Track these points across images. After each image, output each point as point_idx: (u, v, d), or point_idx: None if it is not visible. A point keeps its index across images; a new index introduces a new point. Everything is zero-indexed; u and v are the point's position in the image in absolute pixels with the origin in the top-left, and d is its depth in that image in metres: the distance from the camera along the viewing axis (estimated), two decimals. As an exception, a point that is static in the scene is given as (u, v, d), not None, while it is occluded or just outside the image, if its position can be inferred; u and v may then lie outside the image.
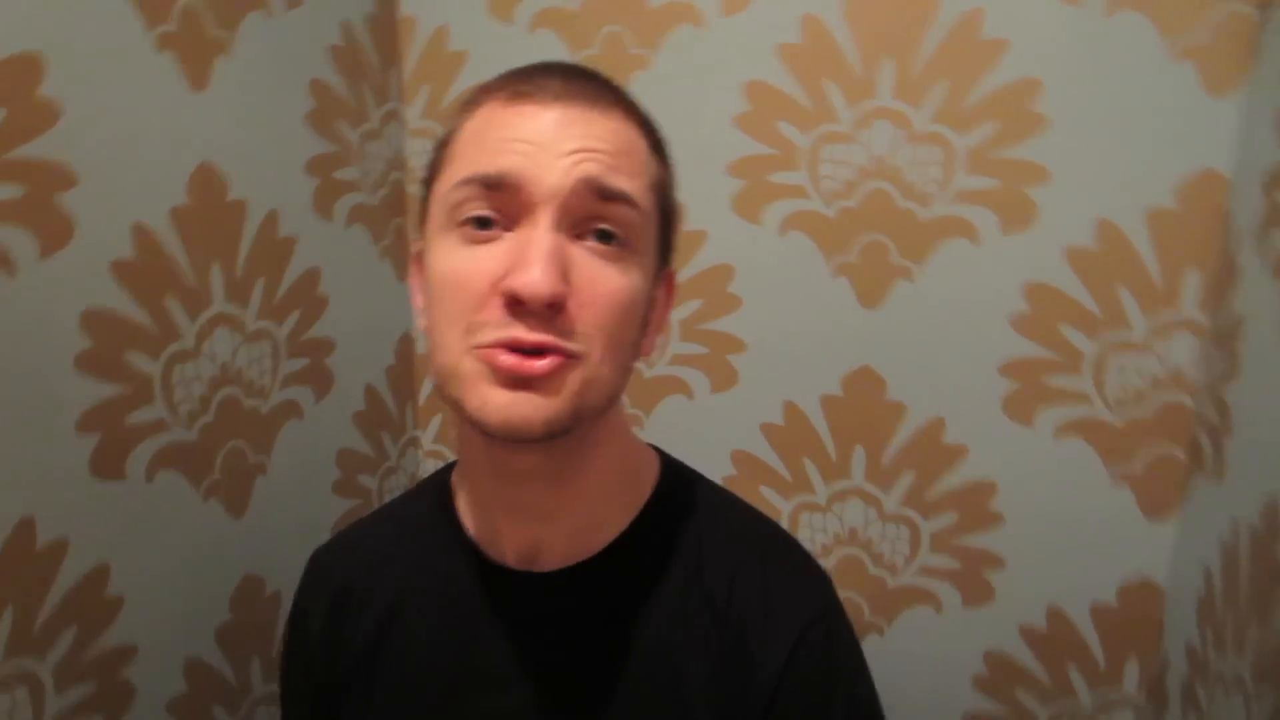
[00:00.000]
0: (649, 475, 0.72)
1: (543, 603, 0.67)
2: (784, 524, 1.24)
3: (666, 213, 0.65)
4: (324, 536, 0.87)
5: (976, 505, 1.16)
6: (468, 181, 0.57)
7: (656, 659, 0.66)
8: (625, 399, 1.17)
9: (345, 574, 0.75)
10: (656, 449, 0.76)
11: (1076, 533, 1.13)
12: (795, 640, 0.65)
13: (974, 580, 1.18)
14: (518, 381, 0.55)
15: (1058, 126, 1.05)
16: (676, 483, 0.73)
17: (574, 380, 0.56)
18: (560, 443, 0.59)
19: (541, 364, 0.55)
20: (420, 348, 1.37)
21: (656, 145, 0.65)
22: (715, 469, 1.24)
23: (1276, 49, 0.92)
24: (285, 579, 1.08)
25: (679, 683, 0.65)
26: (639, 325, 0.62)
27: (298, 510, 1.13)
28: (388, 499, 1.09)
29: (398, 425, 1.34)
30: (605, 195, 0.57)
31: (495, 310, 0.56)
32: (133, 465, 0.91)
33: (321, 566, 0.78)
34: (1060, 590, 1.15)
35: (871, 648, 1.21)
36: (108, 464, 0.88)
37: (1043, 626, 1.17)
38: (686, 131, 1.07)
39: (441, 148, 0.63)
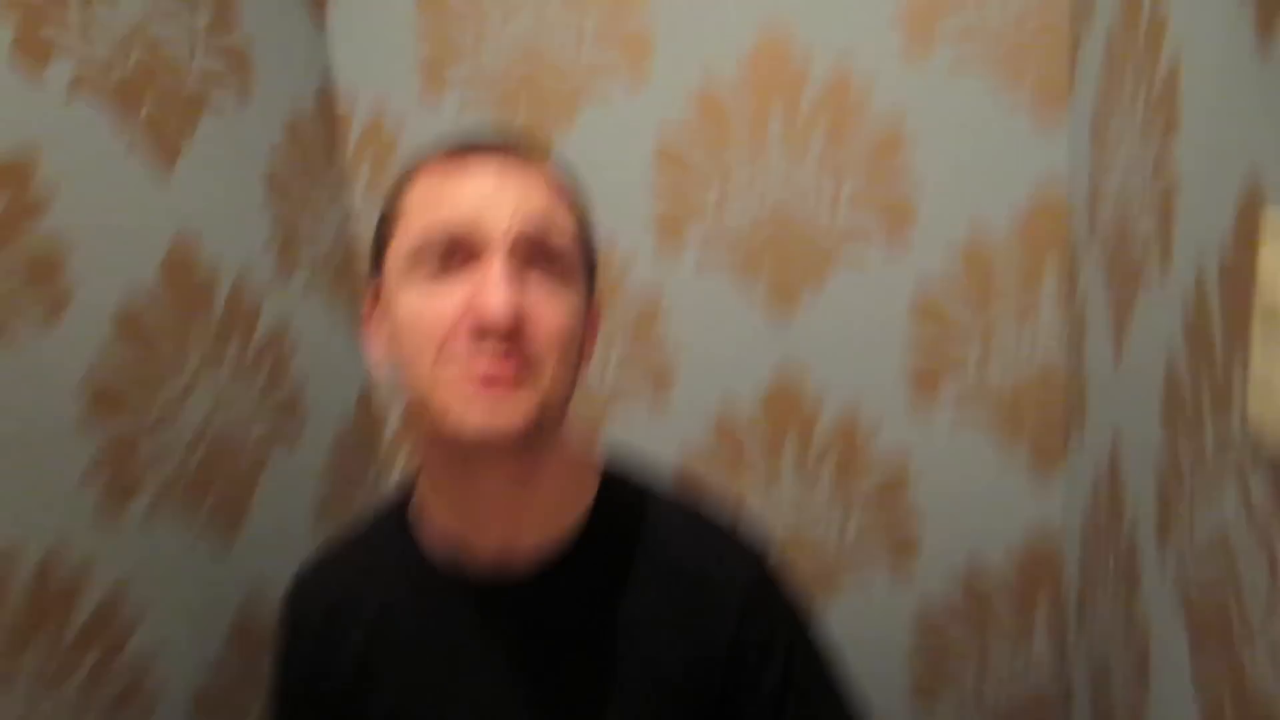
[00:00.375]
0: (596, 470, 0.81)
1: (519, 600, 0.74)
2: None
3: (589, 252, 0.74)
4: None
5: (894, 482, 1.32)
6: (427, 238, 0.65)
7: (629, 633, 0.74)
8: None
9: (330, 595, 0.82)
10: (598, 445, 0.85)
11: (981, 495, 1.29)
12: (745, 597, 0.75)
13: (898, 549, 1.33)
14: (491, 394, 0.64)
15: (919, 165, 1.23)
16: (621, 474, 0.82)
17: (538, 385, 0.65)
18: (525, 448, 0.68)
19: (509, 372, 0.64)
20: (379, 398, 1.49)
21: (575, 194, 0.74)
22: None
23: (1085, 83, 1.11)
24: (272, 620, 1.13)
25: (653, 650, 0.74)
26: (579, 341, 0.70)
27: (280, 555, 1.23)
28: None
29: (369, 464, 1.45)
30: (544, 233, 0.66)
31: (462, 339, 0.64)
32: (135, 507, 1.02)
33: (307, 588, 0.85)
34: (974, 547, 1.31)
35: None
36: (113, 506, 0.99)
37: (962, 577, 1.31)
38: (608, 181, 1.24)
39: (387, 220, 0.71)
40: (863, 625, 1.35)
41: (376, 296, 0.72)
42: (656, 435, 1.39)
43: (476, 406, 0.64)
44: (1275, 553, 0.58)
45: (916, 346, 1.27)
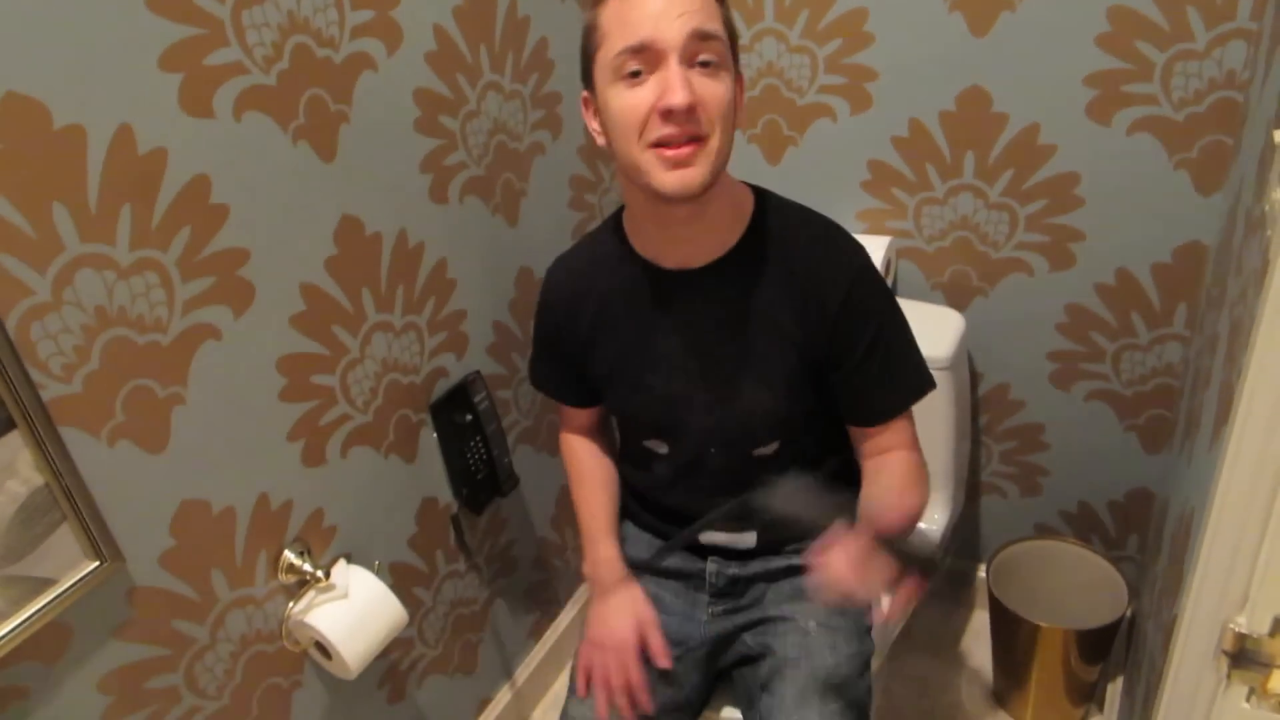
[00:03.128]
0: (748, 205, 1.10)
1: (694, 288, 1.09)
2: (908, 216, 1.62)
3: (733, 37, 0.98)
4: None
5: (1063, 192, 1.48)
6: (622, 51, 0.92)
7: (766, 308, 1.07)
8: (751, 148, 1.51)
9: (571, 283, 1.19)
10: (749, 184, 1.12)
11: (1142, 208, 1.44)
12: (845, 288, 1.05)
13: (1059, 251, 1.53)
14: (678, 163, 0.93)
15: None
16: (766, 206, 1.10)
17: (707, 155, 0.94)
18: (700, 196, 0.96)
19: (688, 150, 0.93)
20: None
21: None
22: (854, 177, 1.62)
23: None
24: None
25: (779, 324, 1.07)
26: (735, 109, 0.97)
27: (547, 229, 1.58)
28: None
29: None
30: (703, 36, 0.92)
31: (655, 122, 0.92)
32: (451, 194, 1.36)
33: (556, 277, 1.21)
34: (1127, 254, 1.49)
35: (978, 305, 1.62)
36: (436, 192, 1.34)
37: (1112, 283, 1.51)
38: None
39: (590, 33, 0.97)
40: (1021, 304, 1.60)
41: (591, 93, 1.00)
42: (856, 132, 1.59)
43: (669, 176, 0.94)
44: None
45: (1105, 44, 1.37)
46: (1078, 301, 1.56)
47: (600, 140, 1.02)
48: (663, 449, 1.19)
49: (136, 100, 0.93)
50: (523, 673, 1.78)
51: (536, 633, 1.84)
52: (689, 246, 1.07)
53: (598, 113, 1.00)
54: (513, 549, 1.69)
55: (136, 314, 0.96)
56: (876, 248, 1.58)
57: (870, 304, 1.07)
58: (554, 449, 1.76)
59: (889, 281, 1.63)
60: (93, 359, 0.92)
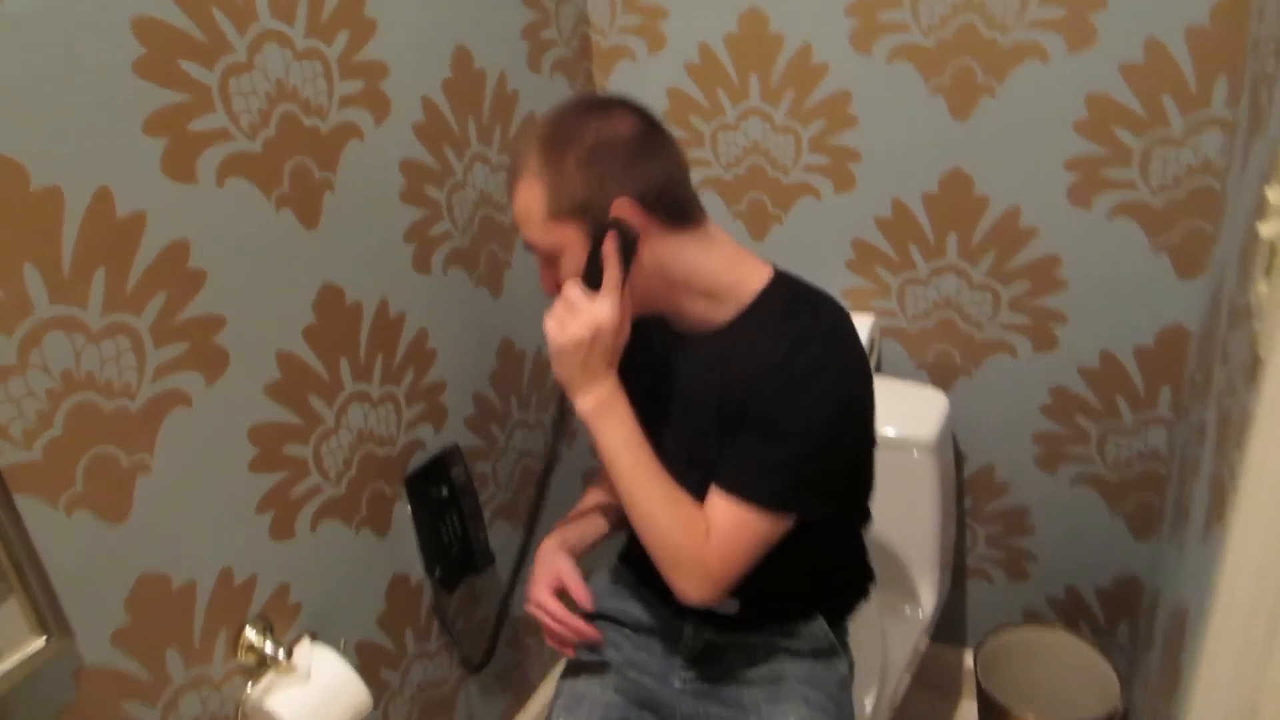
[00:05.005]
0: (753, 288, 1.07)
1: (691, 349, 1.09)
2: (891, 295, 1.62)
3: (570, 208, 0.99)
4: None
5: (1045, 275, 1.49)
6: None
7: (732, 376, 1.05)
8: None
9: None
10: (776, 268, 1.10)
11: (1124, 292, 1.45)
12: (779, 385, 1.00)
13: (1042, 333, 1.53)
14: None
15: None
16: (769, 294, 1.07)
17: None
18: None
19: None
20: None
21: (549, 171, 0.98)
22: (839, 255, 1.63)
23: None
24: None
25: (735, 388, 1.04)
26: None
27: (531, 299, 1.57)
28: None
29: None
30: (529, 246, 1.04)
31: None
32: (434, 264, 1.35)
33: None
34: (1110, 338, 1.49)
35: (962, 386, 1.61)
36: (419, 262, 1.32)
37: (1096, 366, 1.51)
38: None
39: None
40: (1005, 385, 1.60)
41: None
42: (840, 211, 1.60)
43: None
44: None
45: (1084, 130, 1.39)
46: (1061, 384, 1.55)
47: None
48: None
49: (118, 163, 0.92)
50: (493, 760, 1.71)
51: (508, 717, 1.77)
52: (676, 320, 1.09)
53: None
54: (486, 629, 1.63)
55: (105, 379, 0.93)
56: (861, 327, 1.57)
57: (799, 410, 1.00)
58: (532, 525, 1.72)
59: (872, 361, 1.63)
60: (55, 425, 0.89)
